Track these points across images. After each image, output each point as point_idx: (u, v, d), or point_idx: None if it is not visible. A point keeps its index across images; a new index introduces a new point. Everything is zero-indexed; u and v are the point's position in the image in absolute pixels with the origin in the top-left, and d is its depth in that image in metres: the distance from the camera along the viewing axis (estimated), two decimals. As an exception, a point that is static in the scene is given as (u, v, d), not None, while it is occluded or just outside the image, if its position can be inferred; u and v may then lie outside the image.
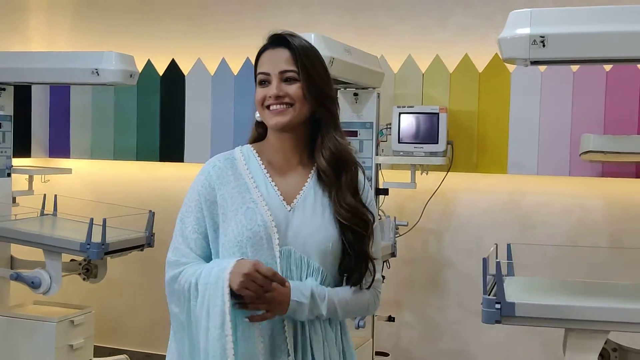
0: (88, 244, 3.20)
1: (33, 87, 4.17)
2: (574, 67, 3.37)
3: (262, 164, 1.61)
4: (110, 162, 4.27)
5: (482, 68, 3.53)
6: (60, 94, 4.29)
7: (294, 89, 1.56)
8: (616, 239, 3.39)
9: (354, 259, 1.55)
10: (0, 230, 3.40)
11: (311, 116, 1.60)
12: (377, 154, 3.48)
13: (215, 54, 4.01)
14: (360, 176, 1.62)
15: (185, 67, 4.08)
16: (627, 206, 3.42)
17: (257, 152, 1.63)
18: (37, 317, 3.47)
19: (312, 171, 1.61)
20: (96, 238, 3.20)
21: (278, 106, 1.56)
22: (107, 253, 3.28)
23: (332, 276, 1.56)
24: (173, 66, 4.10)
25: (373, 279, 1.58)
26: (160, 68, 4.12)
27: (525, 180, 3.55)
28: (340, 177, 1.57)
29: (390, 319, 3.60)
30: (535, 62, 2.31)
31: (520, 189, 3.58)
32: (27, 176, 3.88)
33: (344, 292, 1.56)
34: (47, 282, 3.32)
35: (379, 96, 3.48)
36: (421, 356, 3.75)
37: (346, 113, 3.39)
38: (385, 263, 3.25)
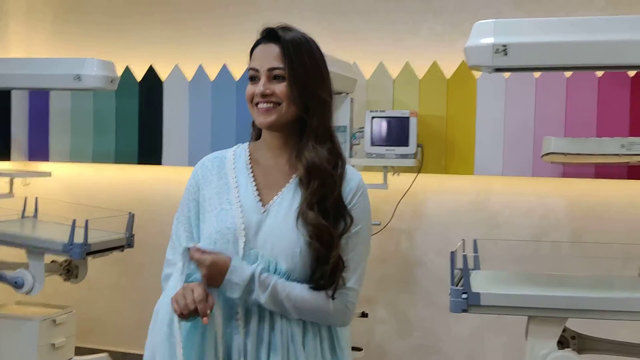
0: (71, 244, 3.29)
1: (13, 92, 4.24)
2: (536, 74, 3.55)
3: (250, 163, 1.59)
4: (89, 165, 4.35)
5: (450, 75, 3.70)
6: (39, 98, 4.36)
7: (281, 87, 1.51)
8: (577, 236, 3.57)
9: (322, 265, 1.48)
10: (-17, 232, 3.47)
11: (301, 117, 1.54)
12: (350, 157, 3.62)
13: (193, 61, 4.12)
14: (347, 185, 1.54)
15: (163, 73, 4.18)
16: (587, 205, 3.61)
17: (250, 150, 1.61)
18: (20, 317, 3.55)
19: (297, 172, 1.55)
20: (78, 239, 3.30)
21: (265, 104, 1.52)
22: (88, 253, 3.38)
23: (304, 281, 1.51)
24: (151, 72, 4.20)
25: (336, 285, 1.49)
26: (139, 74, 4.22)
27: (491, 181, 3.73)
28: (308, 188, 1.50)
29: (364, 315, 3.74)
30: (498, 70, 2.47)
31: (486, 189, 3.76)
32: (7, 179, 3.95)
33: (302, 290, 1.49)
34: (30, 282, 3.40)
35: (352, 101, 3.62)
36: (394, 351, 3.90)
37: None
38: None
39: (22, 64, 3.64)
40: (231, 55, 4.03)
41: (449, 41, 3.72)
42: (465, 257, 2.34)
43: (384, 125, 3.58)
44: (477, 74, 3.63)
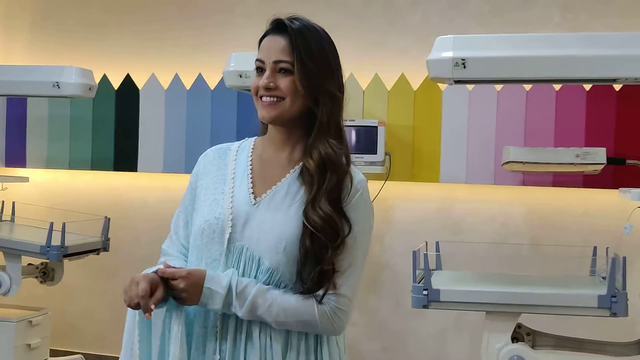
0: (48, 247, 3.37)
1: (-10, 98, 4.31)
2: (498, 87, 3.73)
3: (251, 155, 1.56)
4: (66, 171, 4.43)
5: (416, 86, 3.85)
6: (17, 105, 4.42)
7: (286, 81, 1.45)
8: (536, 241, 3.75)
9: (310, 266, 1.41)
10: (-39, 235, 3.54)
11: (309, 110, 1.48)
12: (321, 164, 3.76)
13: (169, 70, 4.24)
14: (347, 184, 1.47)
15: (139, 81, 4.29)
16: (546, 212, 3.79)
17: (255, 144, 1.58)
18: (-3, 318, 3.63)
19: (297, 167, 1.50)
20: (55, 241, 3.39)
21: (268, 98, 1.46)
22: (65, 256, 3.46)
23: (289, 281, 1.44)
24: (128, 80, 4.30)
25: (326, 291, 1.43)
26: (116, 82, 4.32)
27: (456, 188, 3.89)
28: (324, 179, 1.44)
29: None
30: (458, 81, 2.63)
31: (451, 197, 3.92)
32: (-16, 184, 4.02)
33: (284, 300, 1.42)
34: (7, 284, 3.47)
35: (323, 111, 3.77)
36: (365, 351, 4.02)
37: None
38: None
39: (1, 70, 3.72)
40: (207, 64, 4.16)
41: (416, 55, 3.88)
42: (426, 255, 2.49)
43: (353, 133, 3.72)
44: (442, 86, 3.79)
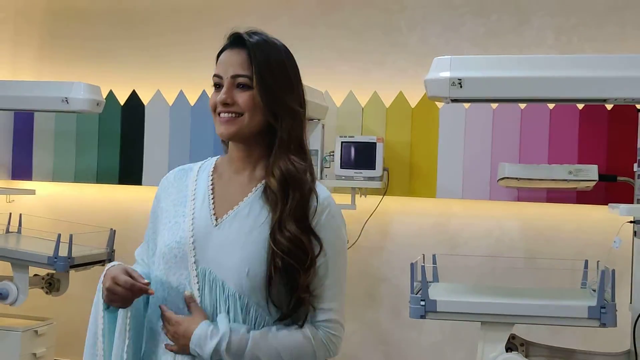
0: (55, 257, 3.45)
1: (-2, 113, 4.40)
2: (494, 105, 3.85)
3: (212, 175, 1.50)
4: (71, 184, 4.51)
5: (414, 104, 3.96)
6: (24, 119, 4.51)
7: (244, 97, 1.41)
8: (530, 255, 3.85)
9: (280, 290, 1.37)
10: (-30, 246, 3.62)
11: (269, 127, 1.43)
12: (321, 178, 3.87)
13: (174, 86, 4.35)
14: (313, 202, 1.41)
15: (145, 97, 4.39)
16: (539, 227, 3.89)
17: (217, 163, 1.54)
18: (3, 327, 3.68)
19: (260, 185, 1.45)
20: (62, 252, 3.47)
21: (226, 114, 1.43)
22: (72, 266, 3.54)
23: (258, 305, 1.39)
24: (134, 96, 4.41)
25: (306, 316, 1.40)
26: (122, 97, 4.42)
27: (452, 204, 3.99)
28: (287, 198, 1.38)
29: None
30: (455, 100, 2.73)
31: (447, 212, 4.02)
32: (-8, 196, 4.11)
33: (280, 342, 1.38)
34: (15, 294, 3.55)
35: (323, 127, 3.86)
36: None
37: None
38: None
39: (11, 85, 3.81)
40: (210, 81, 4.25)
41: (414, 74, 3.99)
42: (423, 267, 2.59)
43: (352, 149, 3.83)
44: (439, 104, 3.90)
